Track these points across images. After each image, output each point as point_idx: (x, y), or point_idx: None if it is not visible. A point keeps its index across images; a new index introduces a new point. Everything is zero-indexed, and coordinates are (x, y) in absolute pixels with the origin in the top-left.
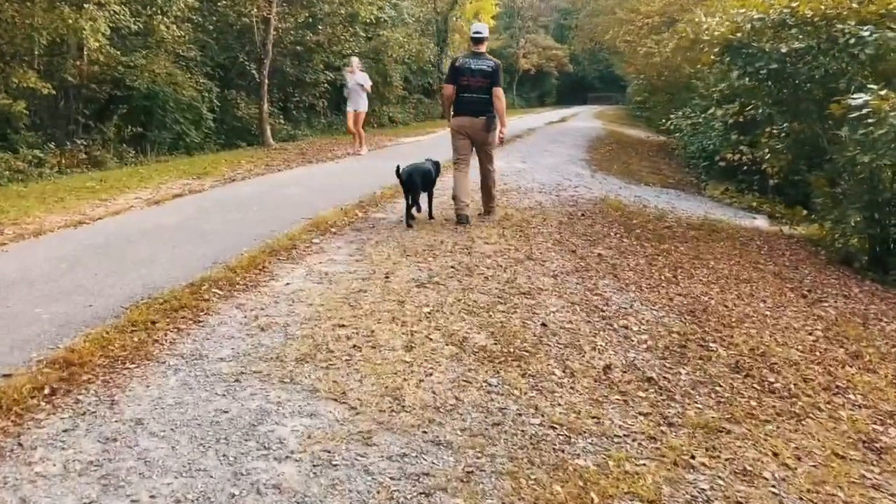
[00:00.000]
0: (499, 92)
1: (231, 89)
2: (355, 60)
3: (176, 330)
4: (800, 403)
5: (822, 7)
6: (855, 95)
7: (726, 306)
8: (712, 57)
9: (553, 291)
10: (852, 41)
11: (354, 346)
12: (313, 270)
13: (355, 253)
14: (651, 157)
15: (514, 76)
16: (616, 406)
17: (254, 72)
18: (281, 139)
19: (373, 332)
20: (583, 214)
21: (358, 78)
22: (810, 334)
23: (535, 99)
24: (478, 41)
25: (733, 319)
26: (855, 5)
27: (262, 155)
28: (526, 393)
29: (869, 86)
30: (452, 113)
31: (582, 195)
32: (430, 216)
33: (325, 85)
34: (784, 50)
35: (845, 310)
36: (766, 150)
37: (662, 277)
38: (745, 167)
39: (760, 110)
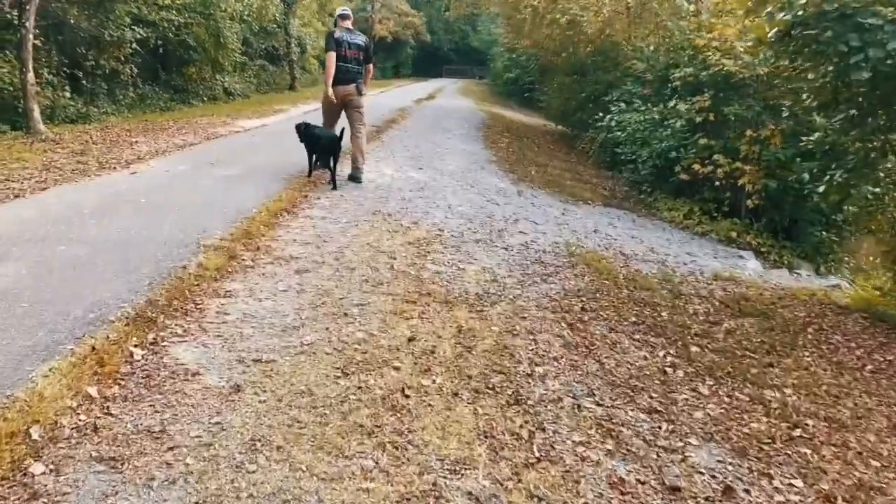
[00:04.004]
0: (370, 67)
1: None
2: None
3: None
4: None
5: None
6: None
7: None
8: (773, 31)
9: None
10: None
11: None
12: None
13: None
14: (556, 152)
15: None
16: None
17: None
18: (68, 120)
19: None
20: (583, 308)
21: None
22: None
23: (391, 70)
24: (345, 17)
25: None
26: None
27: (14, 153)
28: None
29: None
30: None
31: (536, 242)
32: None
33: (134, 45)
34: None
35: None
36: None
37: None
38: (719, 182)
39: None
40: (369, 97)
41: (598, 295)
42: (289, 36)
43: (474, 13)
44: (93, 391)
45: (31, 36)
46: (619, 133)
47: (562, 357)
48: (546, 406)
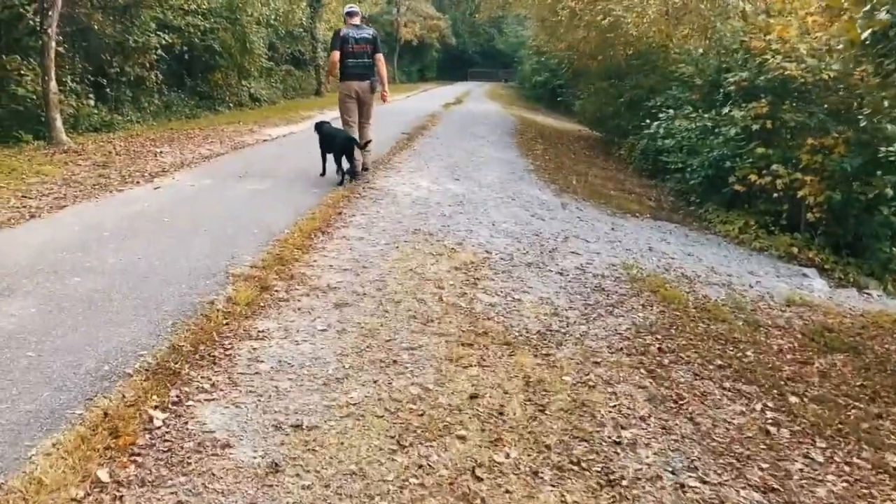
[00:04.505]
0: (381, 57)
1: (15, 55)
2: None
3: None
4: None
5: None
6: None
7: None
8: (867, 31)
9: None
10: None
11: None
12: None
13: None
14: (594, 159)
15: (395, 47)
16: None
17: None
18: (91, 129)
19: None
20: (661, 349)
21: None
22: None
23: (416, 73)
24: (352, 15)
25: None
26: None
27: (34, 165)
28: None
29: None
30: (340, 78)
31: (592, 264)
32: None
33: (159, 51)
34: None
35: None
36: None
37: None
38: (777, 193)
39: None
40: (395, 102)
41: (672, 331)
42: (315, 40)
43: (501, 16)
44: (103, 474)
45: (53, 43)
46: (667, 141)
47: (649, 416)
48: (644, 487)
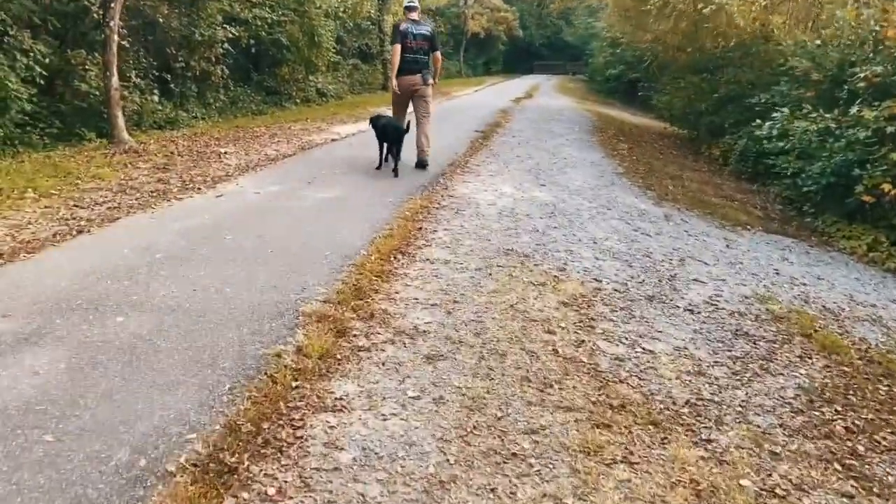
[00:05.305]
0: (439, 56)
1: (80, 49)
2: None
3: None
4: None
5: None
6: None
7: None
8: None
9: None
10: None
11: None
12: None
13: None
14: (683, 160)
15: (461, 40)
16: None
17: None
18: (155, 126)
19: None
20: (847, 428)
21: None
22: None
23: (481, 66)
24: (411, 9)
25: None
26: None
27: (92, 168)
28: None
29: None
30: (396, 74)
31: (721, 296)
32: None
33: (225, 45)
34: None
35: None
36: None
37: None
38: None
39: None
40: (463, 97)
41: (850, 398)
42: (382, 34)
43: (570, 8)
44: None
45: (115, 37)
46: (779, 142)
47: None
48: None
